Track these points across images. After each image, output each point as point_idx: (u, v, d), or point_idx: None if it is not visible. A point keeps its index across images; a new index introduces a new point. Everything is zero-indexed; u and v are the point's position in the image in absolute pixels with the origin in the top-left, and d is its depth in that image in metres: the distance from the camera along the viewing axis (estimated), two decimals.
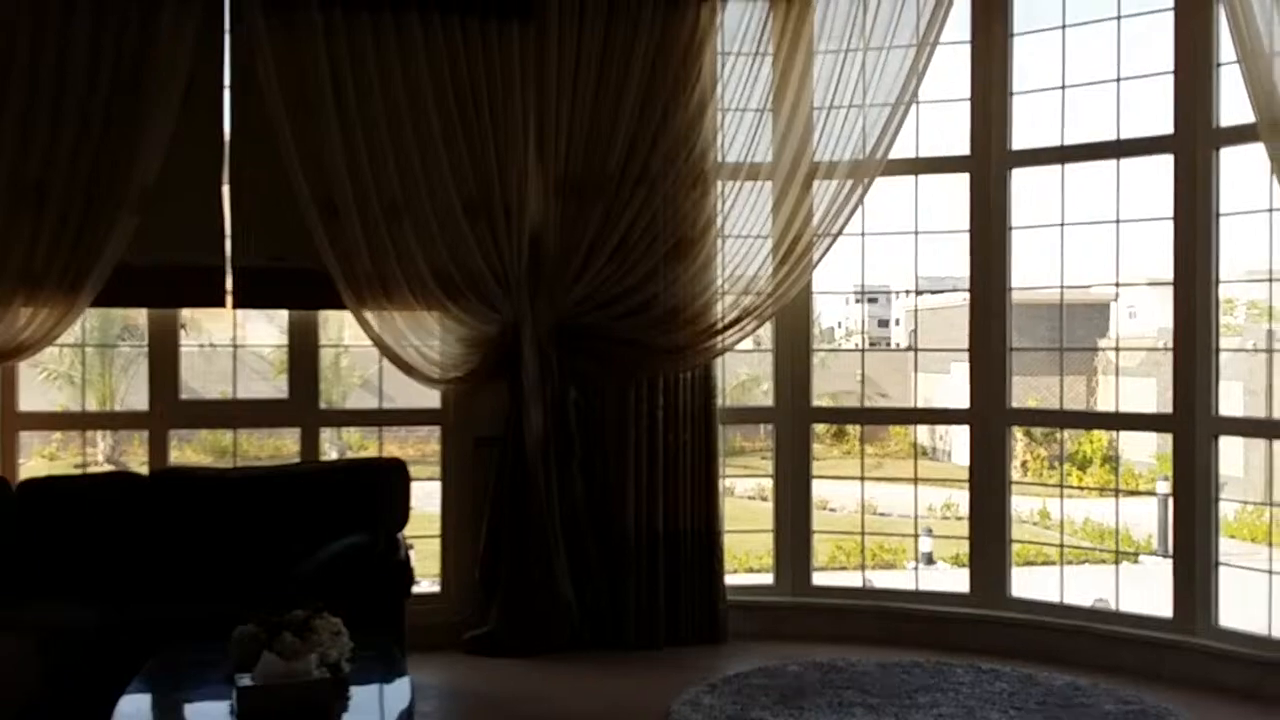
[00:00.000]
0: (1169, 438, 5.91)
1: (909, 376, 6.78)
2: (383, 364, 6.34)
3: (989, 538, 6.36)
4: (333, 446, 10.37)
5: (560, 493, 6.24)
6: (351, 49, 5.85)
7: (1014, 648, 6.05)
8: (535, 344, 6.10)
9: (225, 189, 5.92)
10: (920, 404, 9.11)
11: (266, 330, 12.32)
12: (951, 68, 6.29)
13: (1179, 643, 5.71)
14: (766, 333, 6.73)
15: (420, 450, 10.34)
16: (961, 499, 6.48)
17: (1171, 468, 5.93)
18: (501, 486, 6.21)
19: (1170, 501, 5.99)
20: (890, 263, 7.62)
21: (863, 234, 6.51)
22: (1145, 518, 11.75)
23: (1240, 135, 5.41)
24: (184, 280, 5.92)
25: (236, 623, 4.01)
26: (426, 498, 6.54)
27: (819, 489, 6.94)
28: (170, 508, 5.51)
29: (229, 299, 5.99)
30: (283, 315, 6.38)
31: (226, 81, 5.90)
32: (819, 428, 7.59)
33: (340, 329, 10.68)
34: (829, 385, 11.94)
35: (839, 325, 22.22)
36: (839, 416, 9.90)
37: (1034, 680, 5.55)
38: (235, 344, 6.83)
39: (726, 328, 6.26)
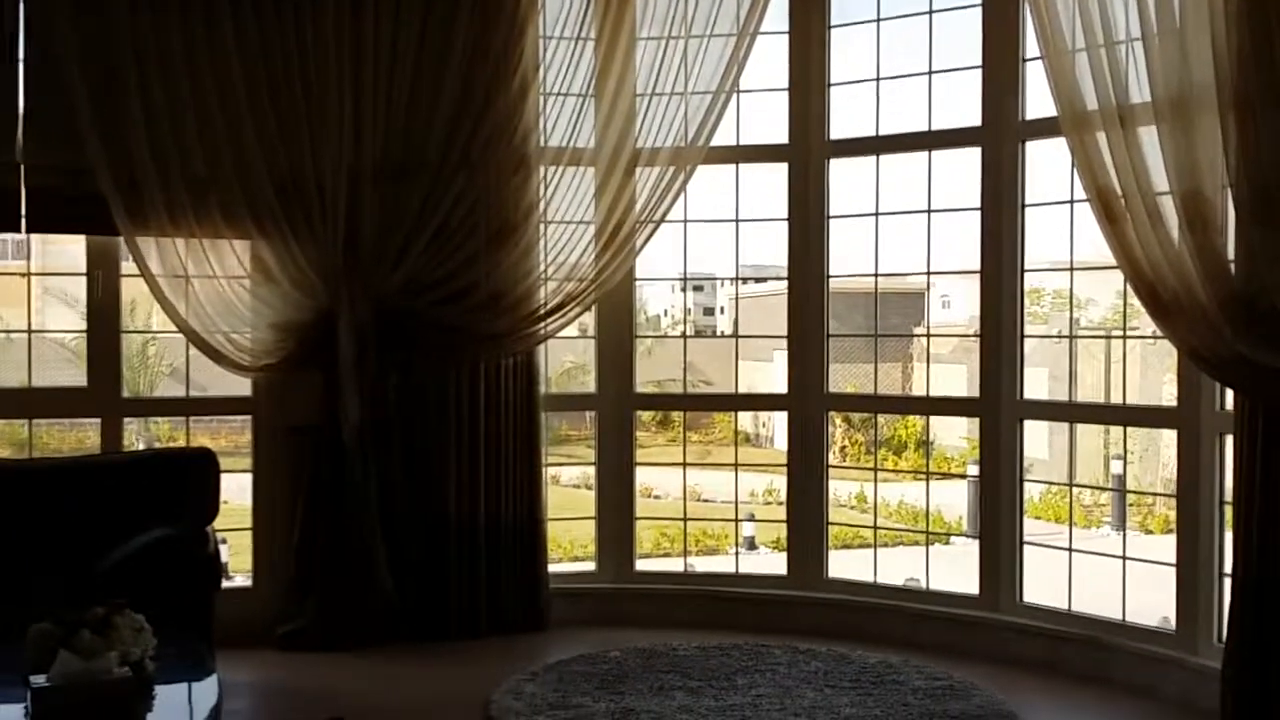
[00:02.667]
0: (978, 422, 6.13)
1: (732, 364, 6.87)
2: (190, 351, 6.10)
3: (807, 521, 6.49)
4: (140, 439, 9.97)
5: (379, 482, 6.11)
6: (156, 23, 5.60)
7: (830, 628, 6.19)
8: (352, 330, 5.94)
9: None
10: (743, 391, 9.25)
11: (67, 316, 11.77)
12: (772, 57, 6.38)
13: (985, 619, 5.93)
14: (591, 320, 6.73)
15: (233, 441, 10.02)
16: (782, 484, 6.61)
17: (980, 451, 6.15)
18: (317, 477, 6.05)
19: (979, 484, 6.21)
20: (715, 251, 7.70)
21: (685, 221, 6.56)
22: (957, 500, 12.20)
23: (1045, 129, 5.62)
24: None
25: (35, 622, 3.79)
26: (240, 491, 6.33)
27: (643, 476, 6.99)
28: None
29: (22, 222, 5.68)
30: (83, 300, 6.07)
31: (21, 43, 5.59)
32: (644, 416, 7.65)
33: (148, 315, 10.29)
34: (655, 374, 12.04)
35: (665, 313, 22.42)
36: (661, 402, 9.97)
37: (848, 659, 5.68)
38: (31, 329, 6.48)
39: (549, 314, 6.22)
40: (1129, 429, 9.18)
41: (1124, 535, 8.71)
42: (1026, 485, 6.07)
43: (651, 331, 16.82)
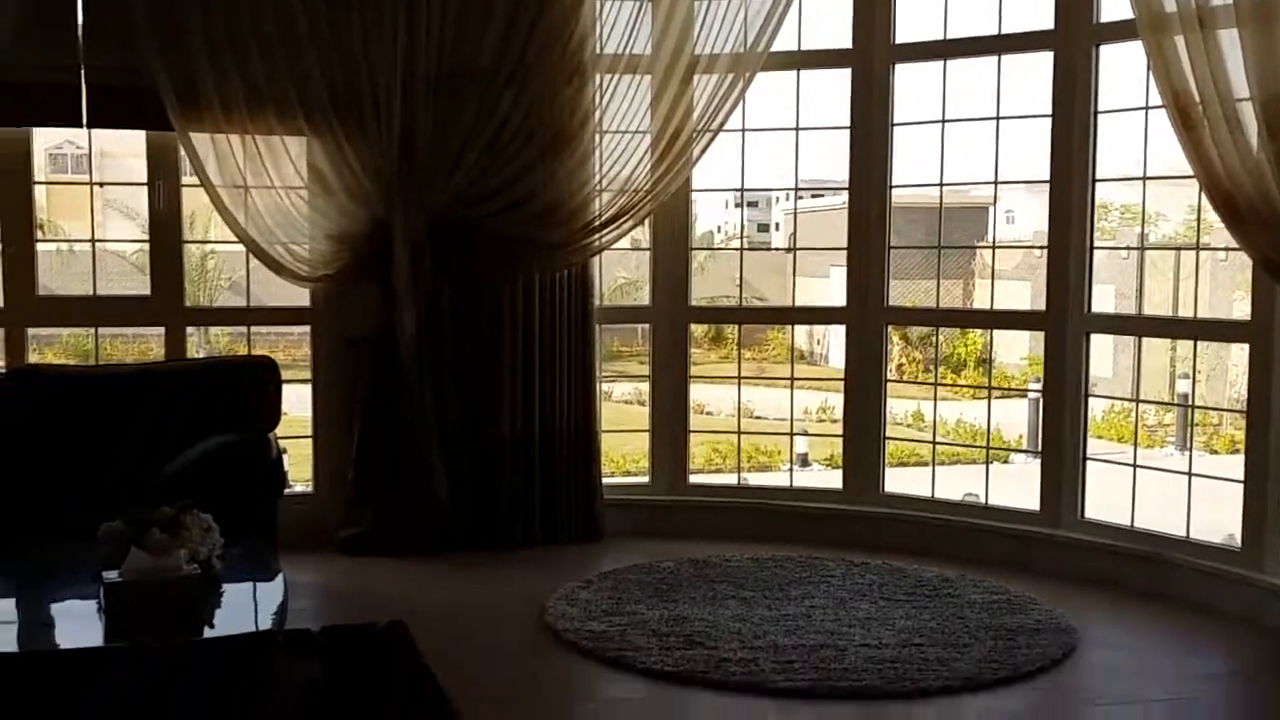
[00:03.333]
0: (1041, 340, 6.02)
1: (788, 279, 6.78)
2: (250, 263, 6.13)
3: (863, 436, 6.45)
4: (201, 351, 10.06)
5: (434, 394, 6.14)
6: None
7: (886, 543, 6.17)
8: (407, 242, 5.92)
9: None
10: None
11: (127, 228, 11.86)
12: None
13: (1045, 535, 5.88)
14: (645, 234, 6.66)
15: (291, 355, 10.10)
16: (836, 401, 6.55)
17: (1044, 365, 6.06)
18: (374, 388, 6.09)
19: (1041, 402, 6.13)
20: (770, 167, 7.58)
21: (743, 130, 6.44)
22: (1016, 419, 12.10)
23: (1120, 32, 5.44)
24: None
25: (104, 523, 3.86)
26: (299, 402, 6.37)
27: (696, 394, 6.95)
28: (30, 407, 5.26)
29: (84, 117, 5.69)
30: (143, 212, 6.10)
31: None
32: (697, 333, 7.60)
33: (207, 228, 10.34)
34: (708, 290, 11.96)
35: (718, 230, 22.24)
36: (716, 316, 9.89)
37: (903, 573, 5.67)
38: (94, 240, 6.53)
39: (604, 225, 6.16)
40: (1197, 345, 9.01)
41: (1189, 453, 8.57)
42: (1091, 402, 5.99)
43: (703, 248, 16.68)
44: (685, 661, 4.48)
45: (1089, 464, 5.88)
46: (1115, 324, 6.68)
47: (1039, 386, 6.63)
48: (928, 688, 4.31)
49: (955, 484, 7.00)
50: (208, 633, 3.50)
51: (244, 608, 3.72)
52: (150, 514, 3.77)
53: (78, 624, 3.49)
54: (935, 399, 7.39)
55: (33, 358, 5.90)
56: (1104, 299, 6.72)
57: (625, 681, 4.39)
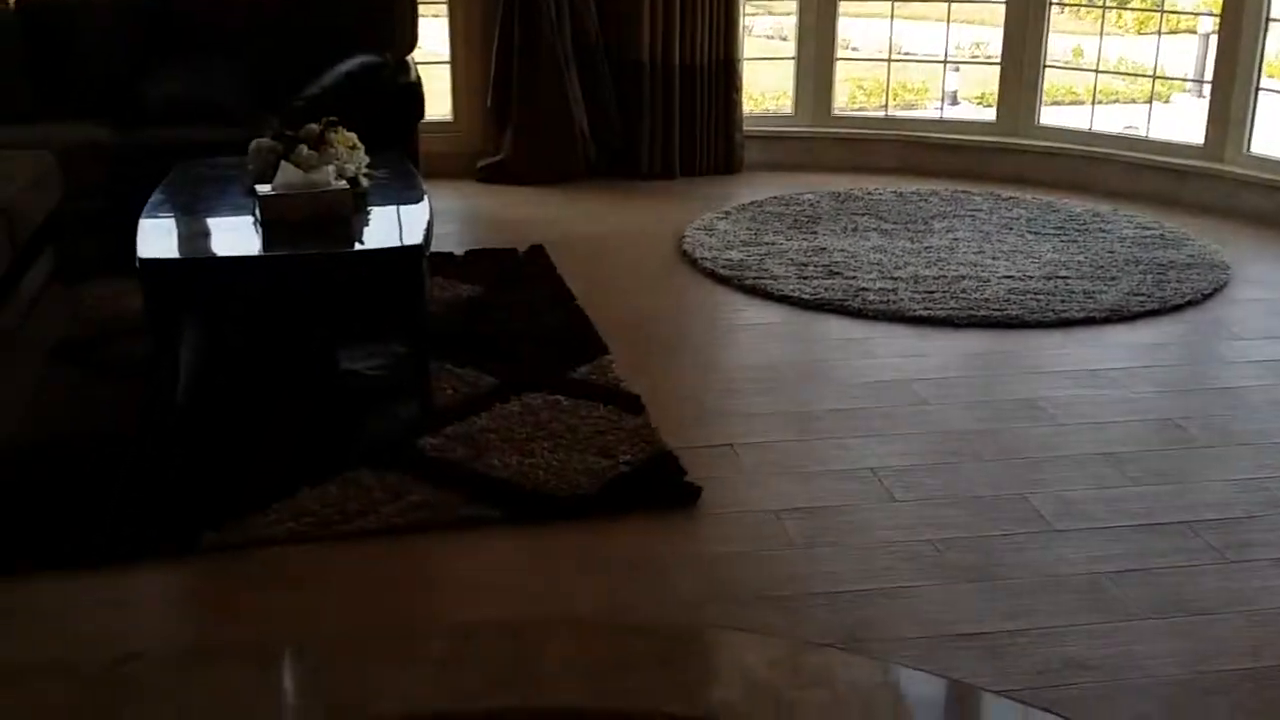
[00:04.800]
0: None
1: None
2: None
3: (1020, 68, 6.13)
4: None
5: (571, 21, 5.97)
6: None
7: (1038, 177, 5.99)
8: None
9: None
10: None
11: None
12: None
13: (1206, 169, 5.62)
14: None
15: None
16: (993, 37, 6.17)
17: None
18: (511, 13, 5.93)
19: (1215, 35, 5.70)
20: None
21: None
22: (1184, 58, 11.37)
23: None
24: None
25: (247, 142, 3.92)
26: (436, 29, 6.27)
27: (843, 29, 6.61)
28: (176, 23, 5.27)
29: None
30: None
31: None
32: None
33: None
34: None
35: None
36: None
37: (1053, 207, 5.52)
38: None
39: None
40: None
41: None
42: (1273, 29, 5.55)
43: None
44: (823, 290, 4.50)
45: (1261, 95, 5.53)
46: None
47: (1211, 23, 6.13)
48: (1071, 318, 4.27)
49: (1115, 120, 6.67)
50: (357, 245, 3.59)
51: (391, 224, 3.79)
52: (297, 131, 3.82)
53: (236, 234, 3.61)
54: (1101, 30, 6.94)
55: None
56: None
57: (763, 307, 4.44)
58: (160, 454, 3.22)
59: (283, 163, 3.64)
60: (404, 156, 4.49)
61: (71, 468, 3.16)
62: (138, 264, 3.29)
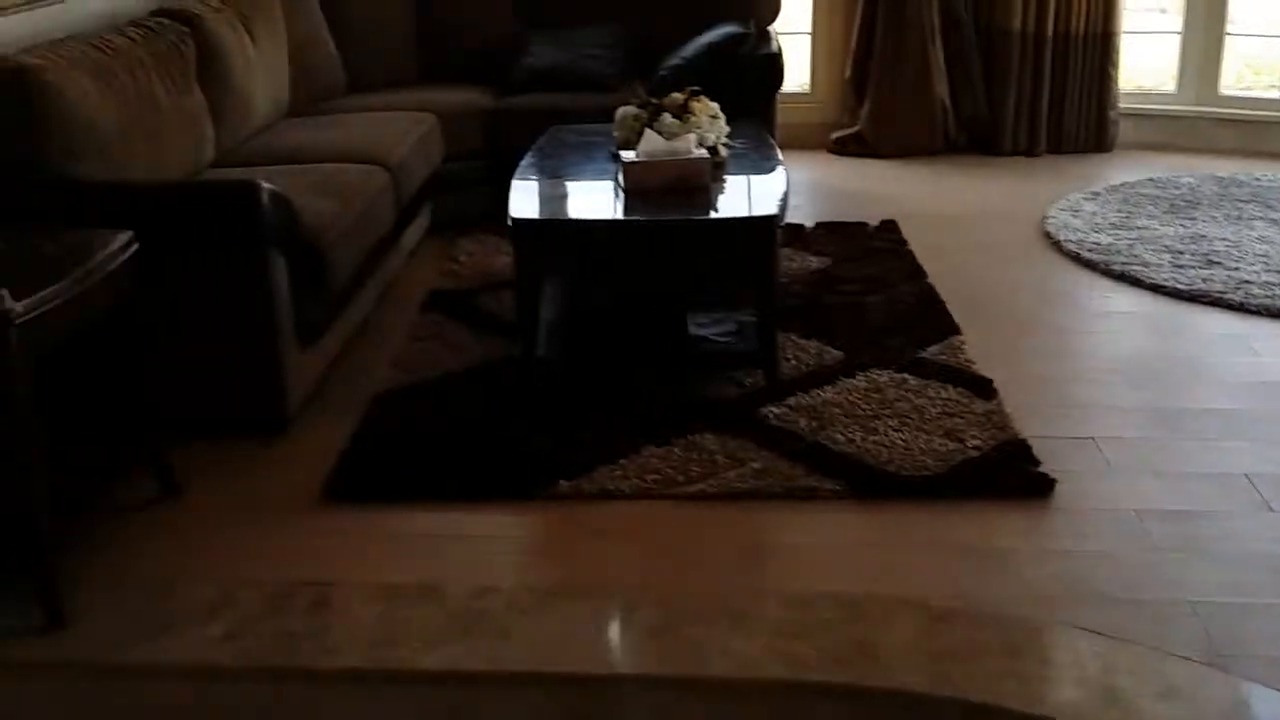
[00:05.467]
0: None
1: None
2: None
3: None
4: None
5: None
6: None
7: None
8: None
9: None
10: None
11: None
12: None
13: None
14: None
15: None
16: None
17: None
18: None
19: None
20: None
21: None
22: None
23: None
24: None
25: (613, 109, 4.06)
26: (798, 1, 6.25)
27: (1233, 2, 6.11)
28: (554, 1, 5.52)
29: None
30: None
31: None
32: None
33: None
34: None
35: None
36: None
37: None
38: None
39: None
40: None
41: None
42: None
43: None
44: (1201, 281, 4.19)
45: None
46: None
47: None
48: None
49: None
50: (713, 214, 3.63)
51: (748, 194, 3.81)
52: (662, 99, 3.91)
53: (600, 198, 3.73)
54: None
55: None
56: None
57: (1132, 295, 4.19)
58: (520, 403, 3.38)
59: (647, 130, 3.73)
60: (762, 127, 4.51)
61: (440, 410, 3.37)
62: (509, 223, 3.47)
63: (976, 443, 3.09)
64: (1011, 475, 2.96)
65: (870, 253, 4.59)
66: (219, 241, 3.13)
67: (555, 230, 3.56)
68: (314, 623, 2.44)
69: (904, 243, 4.68)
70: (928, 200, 5.32)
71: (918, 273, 4.35)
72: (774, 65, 5.09)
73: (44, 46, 3.41)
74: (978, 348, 3.68)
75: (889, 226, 4.88)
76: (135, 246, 2.77)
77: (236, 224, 3.11)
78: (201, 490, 2.99)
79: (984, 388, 3.40)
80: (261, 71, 4.47)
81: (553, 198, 3.88)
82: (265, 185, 3.14)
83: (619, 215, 3.55)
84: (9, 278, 2.44)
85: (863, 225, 4.91)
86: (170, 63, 3.81)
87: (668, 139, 3.71)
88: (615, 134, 3.95)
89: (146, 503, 2.92)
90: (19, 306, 2.33)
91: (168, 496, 2.95)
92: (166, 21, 3.97)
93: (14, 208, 2.86)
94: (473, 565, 2.66)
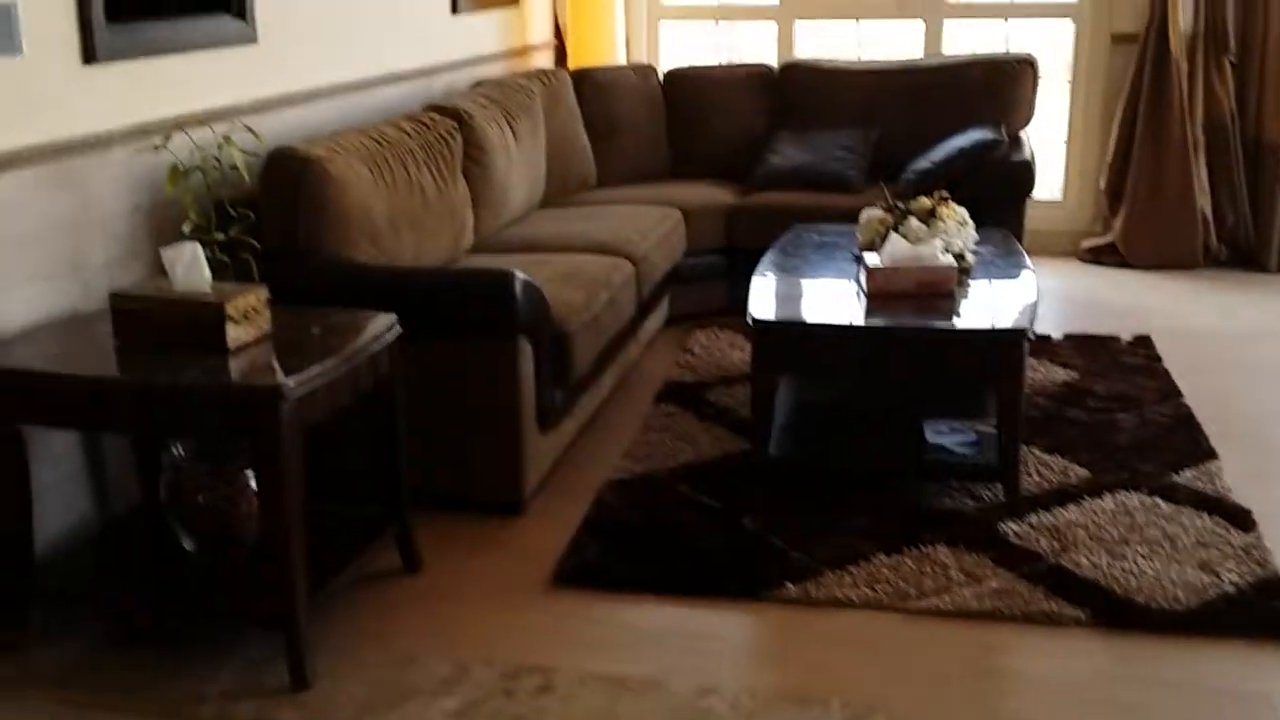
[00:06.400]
0: None
1: None
2: None
3: None
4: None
5: (1205, 96, 5.61)
6: None
7: None
8: None
9: None
10: None
11: None
12: None
13: None
14: None
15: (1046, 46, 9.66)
16: None
17: None
18: (1138, 89, 5.68)
19: None
20: None
21: None
22: None
23: None
24: None
25: (857, 210, 4.06)
26: (1052, 102, 6.14)
27: None
28: (797, 98, 5.61)
29: None
30: None
31: None
32: None
33: None
34: None
35: None
36: None
37: None
38: None
39: None
40: None
41: None
42: None
43: None
44: None
45: None
46: None
47: None
48: None
49: None
50: (957, 322, 3.57)
51: (993, 302, 3.74)
52: (908, 204, 3.89)
53: (841, 301, 3.73)
54: None
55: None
56: None
57: None
58: (750, 501, 3.38)
59: (892, 234, 3.71)
60: (1010, 234, 4.43)
61: (669, 502, 3.40)
62: (748, 321, 3.49)
63: (1233, 577, 2.91)
64: (1272, 615, 2.77)
65: (1121, 368, 4.41)
66: (473, 326, 3.26)
67: (795, 331, 3.56)
68: (540, 706, 2.48)
69: (1158, 359, 4.49)
70: (1185, 315, 5.10)
71: (1172, 391, 4.16)
72: (1026, 172, 4.99)
73: (327, 137, 3.67)
74: (1236, 474, 3.48)
75: (1142, 341, 4.69)
76: (398, 329, 2.92)
77: (491, 311, 3.24)
78: (440, 565, 3.10)
79: (1243, 518, 3.21)
80: (521, 165, 4.67)
81: (793, 298, 3.89)
82: (520, 275, 3.27)
83: (861, 320, 3.53)
84: (283, 355, 2.62)
85: (1114, 339, 4.73)
86: (439, 155, 4.04)
87: (913, 243, 3.68)
88: (859, 236, 3.94)
89: (389, 573, 3.04)
90: (291, 382, 2.48)
91: (409, 569, 3.06)
92: (438, 117, 4.21)
93: (290, 286, 3.05)
94: (696, 662, 2.66)
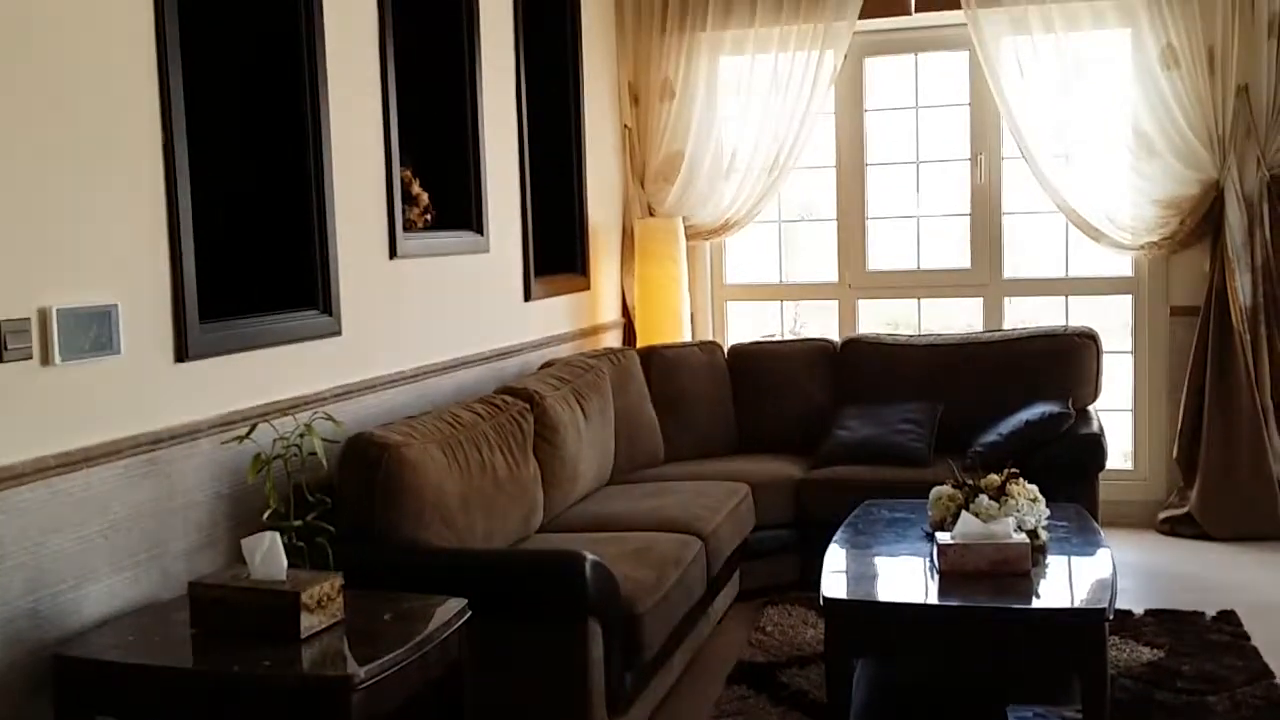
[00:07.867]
0: None
1: None
2: (1068, 230, 6.07)
3: None
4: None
5: (1271, 366, 5.63)
6: None
7: None
8: (1241, 203, 5.52)
9: None
10: None
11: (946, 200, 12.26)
12: None
13: None
14: None
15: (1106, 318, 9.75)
16: None
17: None
18: (1201, 361, 5.72)
19: None
20: None
21: None
22: None
23: None
24: None
25: (924, 484, 4.07)
26: (1116, 374, 6.18)
27: None
28: (860, 372, 5.70)
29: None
30: (965, 182, 6.28)
31: None
32: None
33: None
34: None
35: None
36: None
37: None
38: (918, 215, 6.84)
39: None
40: None
41: None
42: None
43: None
44: None
45: None
46: None
47: None
48: None
49: None
50: (1035, 602, 3.51)
51: (1070, 579, 3.68)
52: (979, 481, 3.88)
53: (914, 580, 3.69)
54: None
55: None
56: None
57: None
58: None
59: (963, 512, 3.70)
60: (1083, 509, 4.39)
61: None
62: (821, 601, 3.46)
63: None
64: None
65: (1208, 646, 4.27)
66: (543, 607, 3.26)
67: (868, 611, 3.51)
68: None
69: (1246, 636, 4.34)
70: (1270, 589, 4.95)
71: (1263, 671, 4.00)
72: (1096, 446, 4.98)
73: (403, 422, 3.78)
74: None
75: (1228, 617, 4.54)
76: (469, 614, 2.93)
77: (561, 593, 3.24)
78: None
79: None
80: (591, 443, 4.75)
81: (866, 577, 3.86)
82: (589, 556, 3.28)
83: (934, 599, 3.49)
84: (355, 642, 2.63)
85: (1198, 614, 4.59)
86: (510, 437, 4.13)
87: (984, 520, 3.66)
88: (930, 513, 3.93)
89: None
90: (362, 672, 2.48)
91: None
92: (510, 399, 4.33)
93: (362, 569, 3.08)
94: None
